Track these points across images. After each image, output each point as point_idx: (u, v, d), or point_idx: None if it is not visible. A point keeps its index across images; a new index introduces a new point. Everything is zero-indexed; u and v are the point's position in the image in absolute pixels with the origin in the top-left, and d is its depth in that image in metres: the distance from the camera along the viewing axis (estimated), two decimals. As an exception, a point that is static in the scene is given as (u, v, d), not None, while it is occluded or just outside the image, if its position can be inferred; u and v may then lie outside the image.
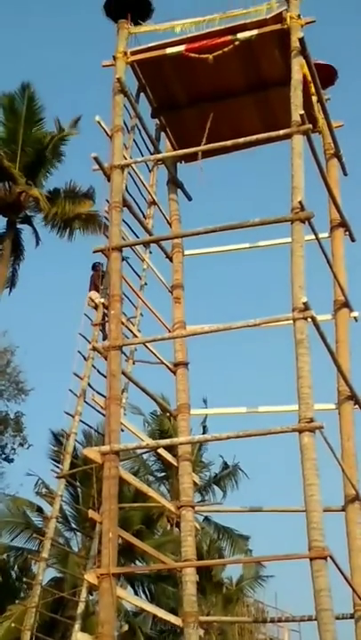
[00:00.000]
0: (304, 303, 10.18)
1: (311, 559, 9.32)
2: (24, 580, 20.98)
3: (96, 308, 14.01)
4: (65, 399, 13.74)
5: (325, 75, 13.10)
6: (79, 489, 21.26)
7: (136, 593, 24.19)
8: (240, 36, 11.81)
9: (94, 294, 14.41)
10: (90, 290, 14.76)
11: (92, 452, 10.73)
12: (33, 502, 24.38)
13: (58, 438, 23.61)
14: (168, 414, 18.84)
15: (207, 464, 29.81)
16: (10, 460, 26.30)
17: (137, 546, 12.52)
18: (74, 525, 23.90)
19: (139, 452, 17.95)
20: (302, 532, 9.52)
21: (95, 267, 14.70)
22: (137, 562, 23.31)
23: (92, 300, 14.16)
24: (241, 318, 10.86)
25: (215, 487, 29.64)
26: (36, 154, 26.51)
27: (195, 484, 12.98)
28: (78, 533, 23.22)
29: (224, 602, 27.92)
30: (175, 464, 12.89)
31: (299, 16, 11.58)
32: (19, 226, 27.22)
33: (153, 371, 13.13)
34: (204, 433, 26.70)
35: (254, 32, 11.78)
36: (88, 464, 12.02)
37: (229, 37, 11.85)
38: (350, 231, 13.34)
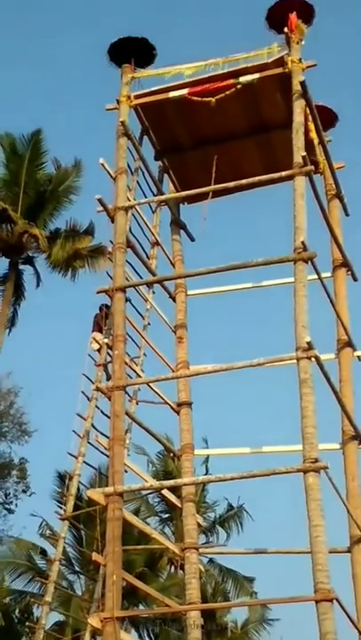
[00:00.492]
0: (308, 342, 10.19)
1: (317, 602, 9.22)
2: (27, 624, 20.74)
3: (99, 350, 14.04)
4: (68, 440, 13.73)
5: (326, 117, 13.25)
6: (82, 531, 21.10)
7: (140, 637, 23.91)
8: (242, 79, 11.98)
9: (97, 335, 14.45)
10: (93, 330, 14.80)
11: (96, 494, 10.66)
12: (37, 544, 24.20)
13: (63, 479, 23.49)
14: (172, 455, 18.78)
15: (211, 504, 29.58)
16: (11, 512, 25.91)
17: (141, 588, 12.40)
18: (77, 568, 23.71)
19: (143, 493, 17.83)
20: (308, 574, 9.44)
21: (100, 308, 14.76)
22: (140, 605, 23.04)
23: (96, 341, 14.20)
24: (244, 358, 10.90)
25: (219, 528, 29.38)
26: (37, 195, 26.76)
27: (199, 525, 12.88)
28: (82, 576, 23.02)
29: (229, 646, 27.51)
30: (179, 505, 12.81)
31: (300, 60, 11.75)
32: (21, 267, 27.41)
33: (157, 411, 13.12)
34: (206, 473, 26.53)
35: (256, 76, 11.95)
36: (92, 505, 11.95)
37: (231, 81, 12.02)
38: (353, 271, 13.39)
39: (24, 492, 26.12)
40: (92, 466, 14.36)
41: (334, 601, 9.27)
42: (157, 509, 28.33)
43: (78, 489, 14.70)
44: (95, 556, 10.80)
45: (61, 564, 16.66)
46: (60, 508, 16.31)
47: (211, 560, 28.06)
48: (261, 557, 14.57)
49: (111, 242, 12.17)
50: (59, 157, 27.17)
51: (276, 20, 12.07)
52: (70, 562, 23.83)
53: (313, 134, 12.19)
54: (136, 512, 24.36)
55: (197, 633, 11.62)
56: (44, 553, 23.84)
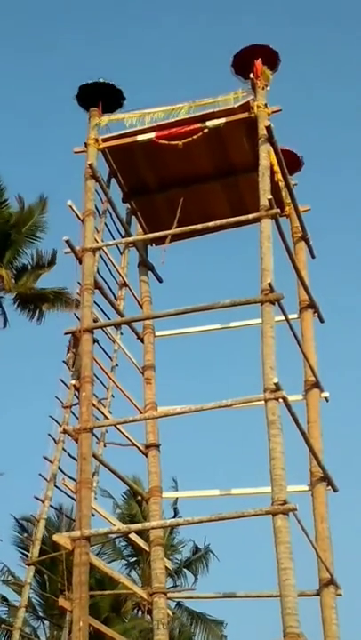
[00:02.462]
0: (275, 384, 10.23)
1: (287, 646, 9.14)
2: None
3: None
4: (32, 483, 13.52)
5: (292, 161, 13.45)
6: (46, 575, 20.72)
7: None
8: (209, 123, 12.15)
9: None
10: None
11: (63, 538, 10.52)
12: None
13: (22, 525, 23.13)
14: (139, 497, 18.60)
15: (177, 545, 29.23)
16: None
17: (107, 634, 12.17)
18: (41, 614, 23.24)
19: (110, 536, 17.62)
20: (276, 616, 9.37)
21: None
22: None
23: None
24: (213, 399, 10.89)
25: (186, 571, 29.02)
26: (2, 234, 26.59)
27: (167, 569, 12.73)
28: (46, 622, 22.57)
29: None
30: (146, 549, 12.65)
31: (265, 105, 11.98)
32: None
33: (125, 453, 13.01)
34: (175, 515, 26.29)
35: (222, 120, 12.13)
36: (56, 549, 11.76)
37: (198, 125, 12.19)
38: (319, 312, 13.49)
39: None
40: (58, 509, 14.14)
41: (304, 645, 9.21)
42: (124, 553, 27.96)
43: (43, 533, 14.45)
44: (62, 601, 10.62)
45: (25, 610, 16.33)
46: (22, 553, 16.10)
47: (179, 604, 27.68)
48: (230, 599, 14.40)
49: (79, 283, 12.17)
50: (25, 197, 27.07)
51: (242, 66, 12.31)
52: (34, 607, 23.36)
53: (279, 177, 12.37)
54: (99, 554, 24.00)
55: None
56: (4, 599, 23.33)
